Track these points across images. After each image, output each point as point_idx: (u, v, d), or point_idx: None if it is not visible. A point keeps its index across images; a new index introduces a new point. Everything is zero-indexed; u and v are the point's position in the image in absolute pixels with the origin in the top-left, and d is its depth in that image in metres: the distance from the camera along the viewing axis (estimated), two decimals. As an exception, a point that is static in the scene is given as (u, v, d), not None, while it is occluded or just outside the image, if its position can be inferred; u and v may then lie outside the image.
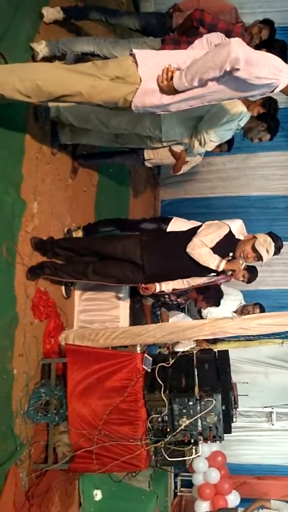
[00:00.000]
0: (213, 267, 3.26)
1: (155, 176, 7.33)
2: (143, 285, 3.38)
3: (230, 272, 3.33)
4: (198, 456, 3.39)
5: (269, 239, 3.35)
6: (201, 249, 3.24)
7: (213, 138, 3.51)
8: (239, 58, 2.22)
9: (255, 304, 5.20)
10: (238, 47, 2.24)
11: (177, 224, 3.83)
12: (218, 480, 5.84)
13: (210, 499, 5.85)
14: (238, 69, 2.26)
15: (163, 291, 3.50)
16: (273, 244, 3.34)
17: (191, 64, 2.37)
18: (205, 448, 5.80)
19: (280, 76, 2.35)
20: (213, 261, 3.24)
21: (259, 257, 3.31)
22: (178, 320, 4.80)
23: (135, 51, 2.53)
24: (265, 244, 3.30)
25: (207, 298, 4.46)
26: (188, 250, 3.26)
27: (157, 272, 3.40)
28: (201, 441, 3.30)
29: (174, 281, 3.49)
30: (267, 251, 3.31)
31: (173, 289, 3.55)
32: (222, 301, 4.60)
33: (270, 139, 3.67)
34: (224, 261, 3.26)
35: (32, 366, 3.28)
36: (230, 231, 3.35)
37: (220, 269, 3.26)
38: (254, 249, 3.30)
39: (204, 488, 5.85)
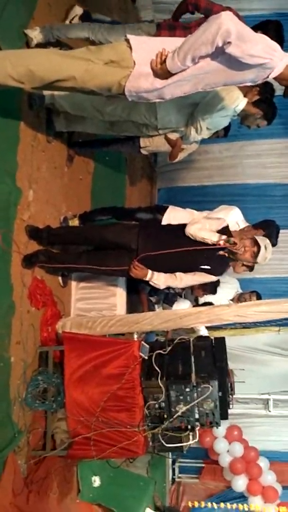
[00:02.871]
0: (214, 239, 3.20)
1: (152, 164, 7.30)
2: (136, 262, 3.29)
3: (233, 242, 3.19)
4: (195, 441, 3.42)
5: (267, 240, 3.33)
6: (199, 225, 3.24)
7: (209, 125, 3.49)
8: (230, 31, 2.16)
9: (251, 292, 5.20)
10: (228, 20, 2.18)
11: (173, 214, 3.82)
12: (243, 451, 6.02)
13: (244, 471, 6.07)
14: (229, 43, 2.19)
15: (154, 282, 3.38)
16: (270, 226, 3.42)
17: (183, 43, 2.31)
18: (220, 429, 5.97)
19: (274, 56, 2.29)
20: (213, 234, 3.22)
21: (258, 250, 3.26)
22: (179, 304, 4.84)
23: (129, 36, 2.50)
24: (263, 240, 3.31)
25: (204, 286, 4.46)
26: (186, 229, 3.24)
27: (150, 257, 3.30)
28: (198, 427, 3.33)
29: (167, 274, 3.39)
30: (265, 247, 3.30)
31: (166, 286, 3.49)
32: (218, 289, 4.62)
33: (268, 124, 3.64)
34: (224, 236, 3.21)
35: (29, 354, 3.29)
36: (227, 226, 3.34)
37: (218, 239, 3.19)
38: (254, 241, 3.27)
39: (234, 464, 6.08)
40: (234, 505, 6.04)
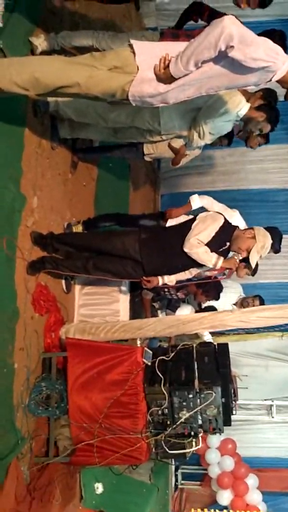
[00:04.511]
0: (210, 265, 3.31)
1: (155, 170, 7.32)
2: (145, 278, 3.40)
3: (227, 271, 3.39)
4: (198, 448, 3.41)
5: (267, 244, 3.36)
6: (198, 249, 3.25)
7: (211, 130, 3.50)
8: (233, 34, 2.15)
9: (254, 296, 5.20)
10: (231, 24, 2.17)
11: (176, 220, 3.84)
12: (234, 467, 6.00)
13: (230, 486, 6.01)
14: (232, 47, 2.18)
15: (166, 284, 3.51)
16: (269, 248, 3.39)
17: (186, 47, 2.31)
18: (214, 440, 5.92)
19: (277, 59, 2.27)
20: (210, 259, 3.28)
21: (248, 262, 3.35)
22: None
23: (133, 41, 2.50)
24: (261, 250, 3.32)
25: (207, 291, 4.46)
26: (185, 250, 3.28)
27: (156, 268, 3.42)
28: (201, 433, 3.33)
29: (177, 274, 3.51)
30: (260, 257, 3.35)
31: (176, 282, 3.55)
32: (221, 294, 4.61)
33: (271, 130, 3.64)
34: (221, 260, 3.29)
35: (33, 360, 3.29)
36: (225, 221, 3.37)
37: (218, 267, 3.30)
38: (248, 253, 3.32)
39: (222, 477, 6.05)
40: (237, 512, 6.00)
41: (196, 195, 3.86)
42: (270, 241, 3.40)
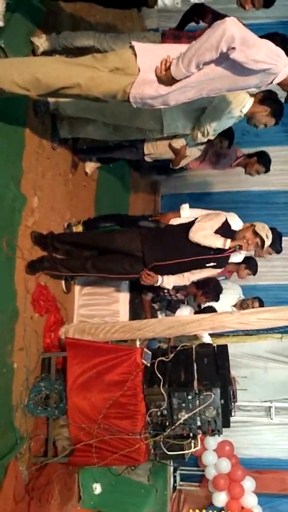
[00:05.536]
0: (219, 246, 3.30)
1: (155, 171, 7.29)
2: (146, 270, 3.37)
3: (239, 246, 3.35)
4: (197, 449, 3.40)
5: (266, 226, 3.44)
6: (204, 231, 3.29)
7: (216, 127, 3.50)
8: (235, 36, 2.15)
9: (254, 298, 5.20)
10: (233, 25, 2.17)
11: (177, 221, 3.85)
12: (230, 469, 5.99)
13: (226, 488, 6.00)
14: (234, 48, 2.18)
15: (164, 287, 3.51)
16: (270, 231, 3.44)
17: (188, 49, 2.31)
18: (211, 441, 5.91)
19: (278, 61, 2.28)
20: (218, 240, 3.30)
21: (261, 241, 3.37)
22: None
23: (134, 43, 2.50)
24: (263, 229, 3.39)
25: (206, 293, 4.46)
26: (190, 235, 3.30)
27: (157, 260, 3.39)
28: (200, 435, 3.33)
29: (175, 276, 3.50)
30: (267, 236, 3.39)
31: (173, 286, 3.56)
32: (221, 296, 4.61)
33: (275, 123, 3.63)
34: (228, 240, 3.32)
35: (32, 360, 3.29)
36: (226, 220, 3.41)
37: (227, 246, 3.31)
38: (255, 234, 3.37)
39: (218, 479, 6.03)
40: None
41: (187, 205, 3.88)
42: (268, 227, 3.47)
